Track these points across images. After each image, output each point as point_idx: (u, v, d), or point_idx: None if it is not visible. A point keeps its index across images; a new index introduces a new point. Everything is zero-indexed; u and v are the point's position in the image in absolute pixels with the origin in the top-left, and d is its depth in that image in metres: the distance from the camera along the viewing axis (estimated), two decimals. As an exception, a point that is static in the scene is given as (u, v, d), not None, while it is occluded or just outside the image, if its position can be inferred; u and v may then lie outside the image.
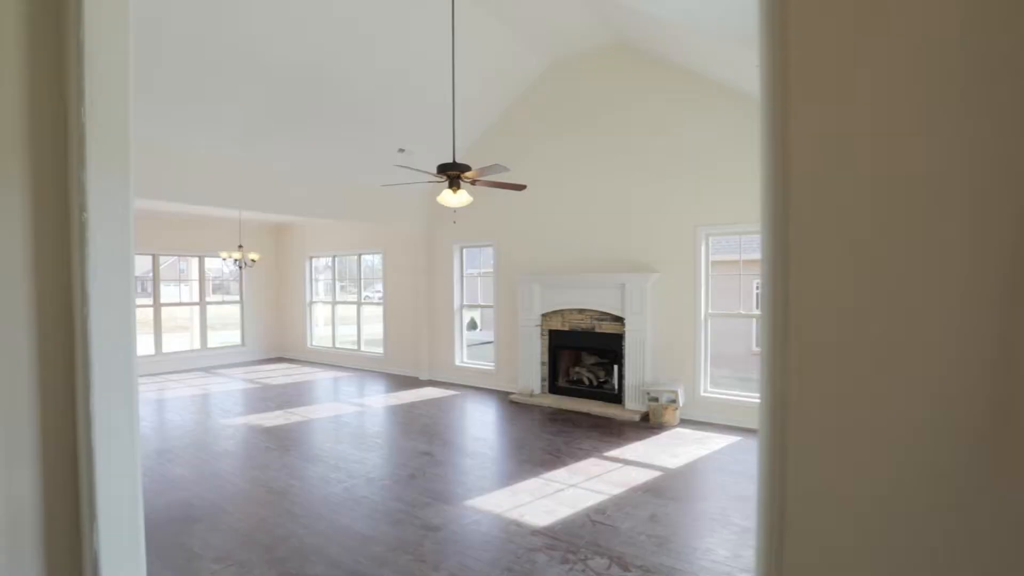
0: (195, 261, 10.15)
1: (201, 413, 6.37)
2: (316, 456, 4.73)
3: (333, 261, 10.32)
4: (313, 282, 10.68)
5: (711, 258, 5.92)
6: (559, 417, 6.01)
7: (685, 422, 5.71)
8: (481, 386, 7.73)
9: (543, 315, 6.91)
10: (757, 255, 10.24)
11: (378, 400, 7.01)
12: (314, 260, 10.64)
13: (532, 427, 5.62)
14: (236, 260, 8.39)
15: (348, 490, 3.96)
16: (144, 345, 9.40)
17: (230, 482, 4.15)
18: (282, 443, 5.11)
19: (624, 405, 6.19)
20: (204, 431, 5.57)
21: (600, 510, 3.57)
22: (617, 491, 3.88)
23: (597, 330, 6.47)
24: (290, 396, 7.27)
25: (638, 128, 6.14)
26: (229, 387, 7.96)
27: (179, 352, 9.72)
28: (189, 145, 5.48)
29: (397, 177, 6.23)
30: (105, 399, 1.25)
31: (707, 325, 5.88)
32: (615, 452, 4.76)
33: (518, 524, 3.37)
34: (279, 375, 8.94)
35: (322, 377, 8.72)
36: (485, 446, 5.02)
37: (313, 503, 3.74)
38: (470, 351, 8.34)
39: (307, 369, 9.52)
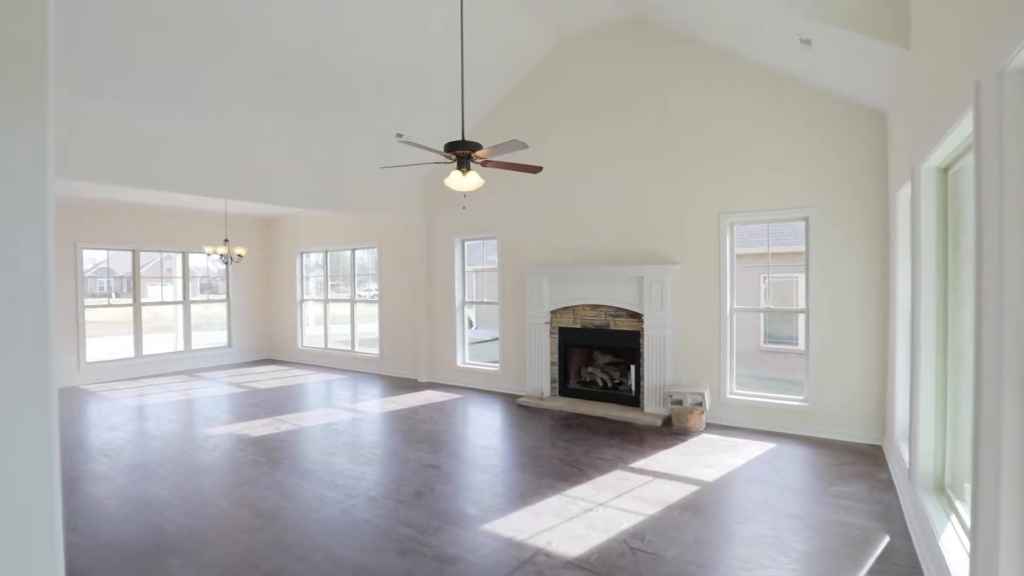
0: (179, 257, 9.57)
1: (182, 422, 5.84)
2: (309, 471, 4.23)
3: (325, 256, 9.79)
4: (304, 279, 10.14)
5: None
6: (573, 422, 5.55)
7: (711, 427, 5.27)
8: (486, 388, 7.26)
9: (552, 311, 6.44)
10: (785, 246, 9.85)
11: (375, 405, 6.52)
12: (305, 255, 10.10)
13: (546, 434, 5.16)
14: (222, 255, 7.84)
15: (347, 512, 3.47)
16: (124, 347, 8.83)
17: (212, 503, 3.65)
18: (271, 455, 4.61)
19: (643, 408, 5.74)
20: (184, 442, 5.05)
21: (637, 535, 3.11)
22: (652, 510, 3.42)
23: (612, 327, 6.01)
24: (280, 401, 6.76)
25: (657, 110, 5.68)
26: (213, 392, 7.42)
27: (161, 354, 9.15)
28: (167, 127, 4.95)
29: (397, 159, 5.73)
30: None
31: (732, 321, 5.44)
32: (642, 463, 4.30)
33: (547, 554, 2.90)
34: (268, 378, 8.41)
35: (314, 380, 8.21)
36: (497, 457, 4.55)
37: (307, 528, 3.25)
38: (470, 352, 7.86)
39: (297, 372, 8.99)
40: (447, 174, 3.84)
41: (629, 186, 5.92)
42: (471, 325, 17.68)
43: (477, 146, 3.74)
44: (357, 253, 9.27)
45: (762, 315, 11.56)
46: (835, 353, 4.85)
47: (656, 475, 4.04)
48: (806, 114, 4.88)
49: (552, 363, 6.48)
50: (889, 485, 3.76)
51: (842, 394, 4.83)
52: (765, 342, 12.38)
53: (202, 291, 11.68)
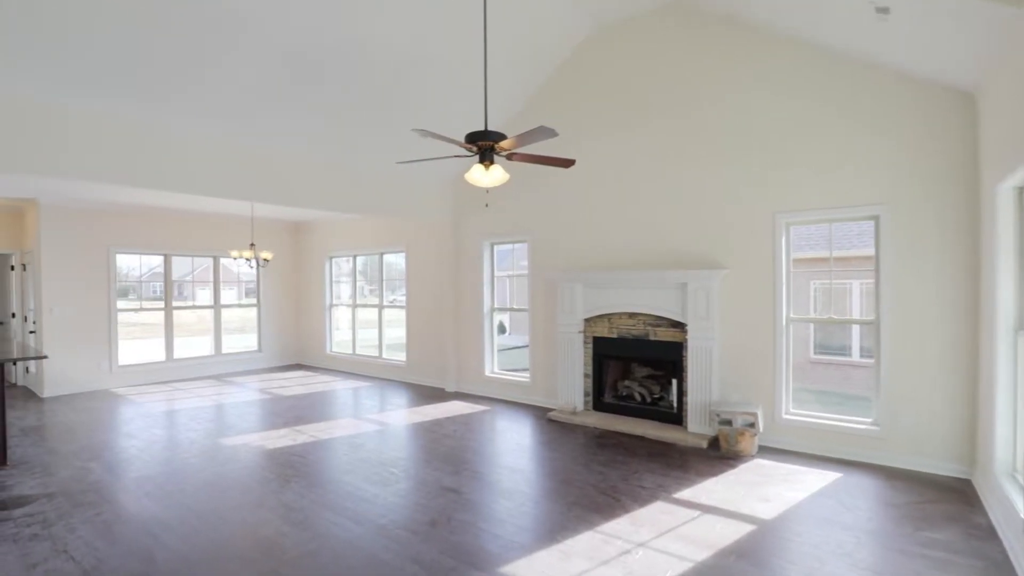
0: (218, 261, 9.57)
1: (200, 430, 5.65)
2: (319, 491, 3.91)
3: (353, 261, 9.60)
4: (333, 284, 9.99)
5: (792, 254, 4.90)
6: (608, 441, 5.07)
7: (764, 450, 4.70)
8: (515, 400, 6.84)
9: (586, 320, 5.98)
10: (839, 250, 9.10)
11: (398, 416, 6.20)
12: (334, 260, 9.95)
13: (578, 454, 4.70)
14: (247, 260, 7.72)
15: (352, 543, 3.11)
16: (156, 350, 8.85)
17: (211, 526, 3.37)
18: (283, 471, 4.32)
19: (687, 427, 5.20)
20: (198, 453, 4.83)
21: (685, 587, 2.63)
22: (703, 555, 2.93)
23: (651, 337, 5.50)
24: (302, 410, 6.53)
25: (703, 101, 5.17)
26: (238, 398, 7.27)
27: (192, 358, 9.13)
28: (186, 128, 4.78)
29: (415, 153, 5.41)
30: None
31: (789, 332, 4.86)
32: (687, 493, 3.80)
33: (576, 610, 2.46)
34: (294, 384, 8.24)
35: (340, 387, 7.98)
36: (523, 480, 4.12)
37: (307, 564, 2.90)
38: (501, 358, 7.47)
39: (324, 378, 8.80)
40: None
41: (672, 184, 5.42)
42: (504, 330, 17.30)
43: (501, 136, 3.35)
44: (385, 257, 9.04)
45: (811, 324, 10.77)
46: (911, 370, 4.22)
47: (704, 509, 3.53)
48: (877, 99, 4.29)
49: (586, 375, 6.02)
50: (990, 533, 3.15)
51: (920, 417, 4.19)
52: (815, 353, 11.54)
53: (247, 295, 11.72)
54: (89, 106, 4.29)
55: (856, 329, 10.64)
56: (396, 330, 8.98)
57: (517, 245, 7.11)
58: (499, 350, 7.57)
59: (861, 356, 10.53)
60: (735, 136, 4.99)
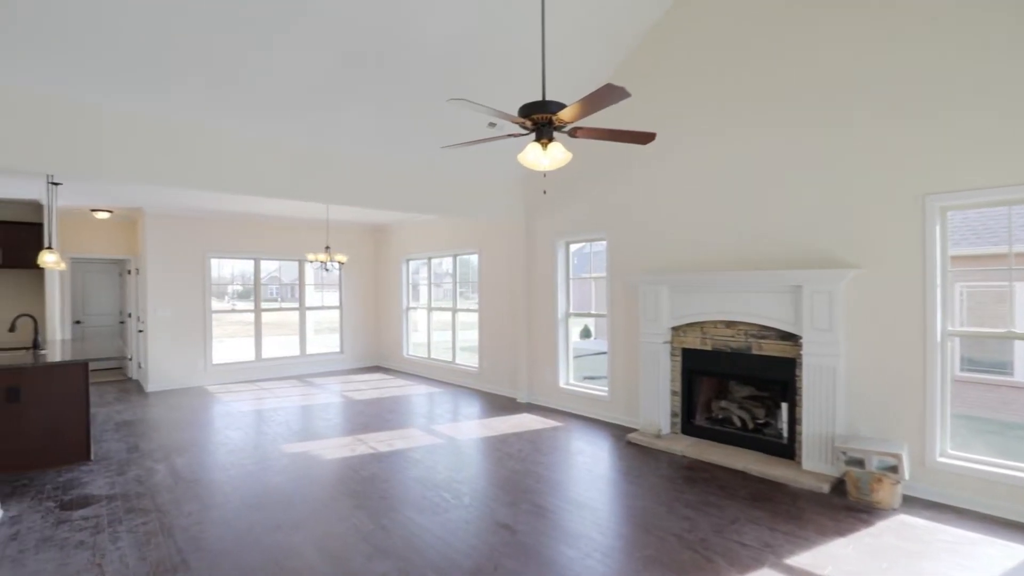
0: (296, 264, 9.87)
1: (268, 434, 5.60)
2: (360, 518, 3.53)
3: (428, 263, 9.41)
4: (410, 287, 9.89)
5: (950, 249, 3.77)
6: (699, 475, 4.24)
7: (911, 503, 3.64)
8: (590, 416, 6.15)
9: (673, 329, 5.17)
10: (987, 246, 7.44)
11: (463, 429, 5.76)
12: (411, 262, 9.84)
13: (661, 490, 3.94)
14: (323, 263, 7.75)
15: (380, 590, 2.66)
16: (247, 350, 9.23)
17: (243, 548, 3.08)
18: (328, 490, 4.02)
19: (800, 463, 4.23)
20: (258, 460, 4.70)
21: None
22: (831, 664, 2.11)
23: (755, 351, 4.58)
24: (369, 417, 6.32)
25: (819, 56, 4.19)
26: (312, 400, 7.27)
27: (279, 358, 9.42)
28: (241, 129, 4.69)
29: (483, 149, 4.93)
30: None
31: (946, 349, 3.74)
32: (804, 559, 2.93)
33: None
34: (369, 388, 8.15)
35: (412, 393, 7.75)
36: (591, 521, 3.46)
37: (325, 611, 2.49)
38: (582, 366, 6.81)
39: (400, 382, 8.65)
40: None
41: (780, 165, 4.47)
42: (590, 335, 16.44)
43: (560, 106, 2.75)
44: (459, 259, 8.73)
45: (957, 337, 8.89)
46: None
47: (829, 586, 2.66)
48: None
49: (673, 393, 5.20)
50: None
51: None
52: (961, 369, 9.56)
53: (330, 298, 12.09)
54: (156, 111, 4.29)
55: (1020, 345, 8.61)
56: (472, 332, 8.63)
57: (595, 244, 6.42)
58: (583, 356, 6.92)
59: (1030, 377, 8.51)
60: (865, 99, 3.96)
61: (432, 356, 9.18)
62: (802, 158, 4.33)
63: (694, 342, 5.03)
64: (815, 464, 4.11)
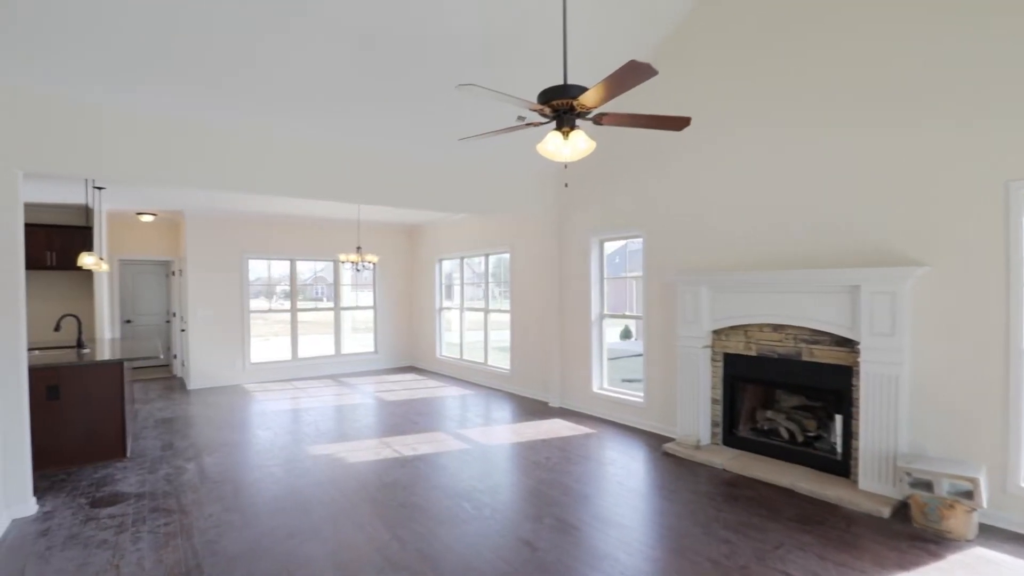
0: (331, 265, 9.96)
1: (296, 434, 5.59)
2: (376, 527, 3.40)
3: (460, 263, 9.30)
4: (443, 287, 9.81)
5: None
6: (741, 492, 3.90)
7: (990, 534, 3.20)
8: (625, 423, 5.85)
9: (714, 332, 4.82)
10: None
11: (491, 435, 5.58)
12: (444, 262, 9.76)
13: (698, 508, 3.63)
14: (354, 263, 7.75)
15: (388, 610, 2.50)
16: (283, 350, 9.37)
17: (254, 557, 3.00)
18: (348, 495, 3.91)
19: (856, 482, 3.83)
20: (282, 462, 4.67)
21: None
22: None
23: (805, 357, 4.19)
24: (398, 419, 6.23)
25: (877, 36, 3.77)
26: (343, 401, 7.27)
27: (314, 358, 9.52)
28: (263, 127, 4.67)
29: (516, 143, 4.73)
30: None
31: (1031, 360, 3.27)
32: (862, 595, 2.58)
33: None
34: (400, 389, 8.10)
35: (443, 395, 7.64)
36: (619, 542, 3.20)
37: (329, 631, 2.35)
38: (622, 368, 6.51)
39: (432, 383, 8.57)
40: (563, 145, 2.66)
41: (836, 150, 4.07)
42: (631, 335, 15.96)
43: (581, 89, 2.51)
44: (492, 259, 8.57)
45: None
46: None
47: (893, 631, 2.32)
48: None
49: (713, 401, 4.85)
50: None
51: None
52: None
53: (364, 298, 12.21)
54: (198, 117, 4.30)
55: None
56: (506, 332, 8.46)
57: (631, 241, 6.10)
58: (622, 358, 6.62)
59: None
60: (932, 75, 3.52)
61: (464, 357, 9.06)
62: (863, 145, 3.91)
63: (737, 346, 4.67)
64: (873, 484, 3.70)
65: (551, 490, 3.98)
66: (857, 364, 3.85)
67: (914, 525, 3.30)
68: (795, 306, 4.17)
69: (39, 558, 3.05)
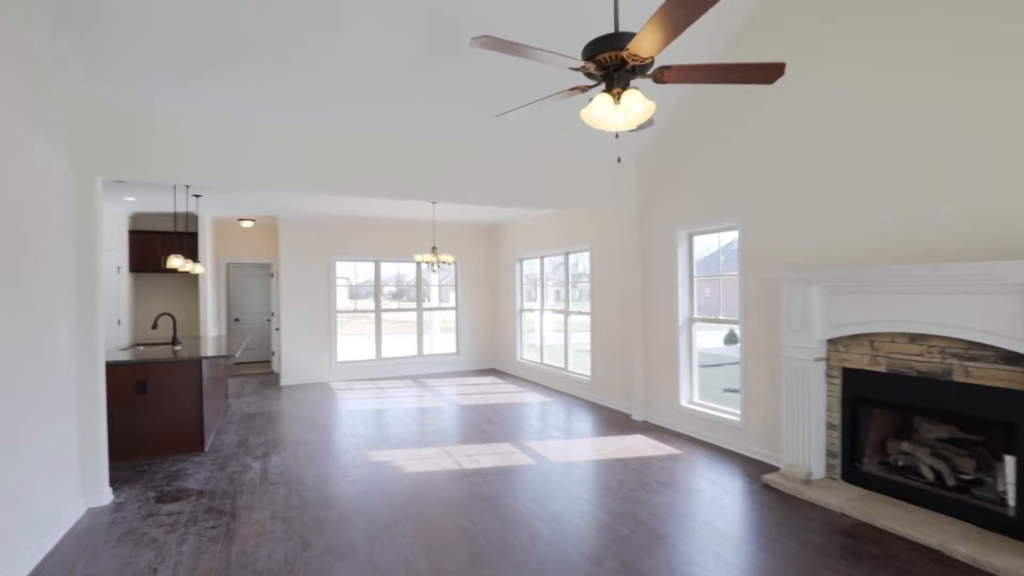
0: (414, 266, 10.02)
1: (365, 437, 5.49)
2: (413, 553, 3.06)
3: (540, 262, 8.87)
4: (523, 287, 9.44)
5: None
6: (867, 548, 3.05)
7: None
8: (717, 444, 5.07)
9: (830, 341, 3.94)
10: None
11: (564, 449, 5.07)
12: (524, 262, 9.39)
13: (806, 567, 2.87)
14: (429, 263, 7.63)
15: (402, 666, 2.13)
16: (368, 349, 9.56)
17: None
18: (394, 510, 3.64)
19: (1040, 552, 2.83)
20: (341, 467, 4.54)
21: None
22: None
23: (957, 377, 3.23)
24: (468, 426, 5.95)
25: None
26: (420, 403, 7.15)
27: (397, 358, 9.61)
28: (318, 125, 4.57)
29: (565, 117, 4.19)
30: None
31: None
32: None
33: None
34: (476, 393, 7.84)
35: (519, 401, 7.25)
36: (697, 600, 2.57)
37: None
38: (724, 376, 5.71)
39: (511, 388, 8.23)
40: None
41: (990, 111, 3.08)
42: (735, 340, 14.55)
43: (630, 36, 1.97)
44: (572, 257, 8.04)
45: None
46: None
47: None
48: None
49: (829, 426, 3.97)
50: None
51: None
52: None
53: (446, 299, 12.24)
54: (268, 118, 4.33)
55: None
56: (586, 335, 7.90)
57: (726, 234, 5.29)
58: (724, 364, 5.82)
59: None
60: None
61: (545, 361, 8.62)
62: (1041, 94, 2.91)
63: (860, 360, 3.76)
64: (1069, 556, 2.70)
65: (621, 524, 3.41)
66: (1039, 390, 2.85)
67: None
68: (941, 310, 3.22)
69: (93, 553, 3.09)
